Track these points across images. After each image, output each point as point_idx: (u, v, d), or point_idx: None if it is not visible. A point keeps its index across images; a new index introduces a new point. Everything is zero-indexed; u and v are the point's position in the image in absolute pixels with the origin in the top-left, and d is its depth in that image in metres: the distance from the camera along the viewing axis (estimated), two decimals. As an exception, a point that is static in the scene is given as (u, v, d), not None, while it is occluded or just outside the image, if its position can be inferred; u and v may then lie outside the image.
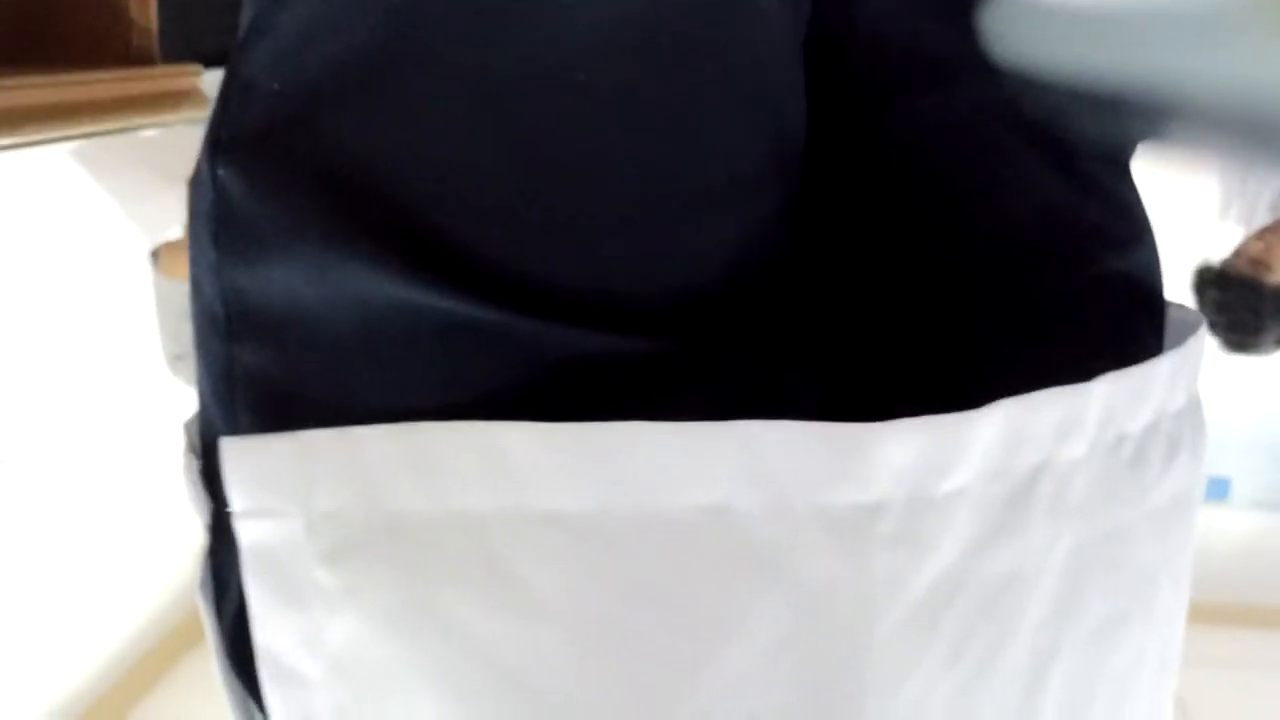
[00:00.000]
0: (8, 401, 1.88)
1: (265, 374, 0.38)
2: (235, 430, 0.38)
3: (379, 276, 0.36)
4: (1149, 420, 0.42)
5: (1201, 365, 0.45)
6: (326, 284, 0.36)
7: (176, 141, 1.68)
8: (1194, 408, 0.44)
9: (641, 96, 0.37)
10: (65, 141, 1.29)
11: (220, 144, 0.38)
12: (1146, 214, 0.46)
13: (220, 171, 0.37)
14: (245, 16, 0.39)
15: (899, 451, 0.36)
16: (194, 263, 0.39)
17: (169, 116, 1.35)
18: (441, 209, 0.36)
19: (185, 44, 1.39)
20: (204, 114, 1.42)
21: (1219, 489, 2.61)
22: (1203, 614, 2.66)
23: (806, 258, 0.42)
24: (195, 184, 0.39)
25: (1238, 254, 1.76)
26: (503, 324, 0.36)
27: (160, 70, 1.32)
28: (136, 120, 1.30)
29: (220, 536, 0.41)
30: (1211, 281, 1.73)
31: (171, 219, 1.82)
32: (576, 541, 0.35)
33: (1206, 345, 0.44)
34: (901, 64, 0.43)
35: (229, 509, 0.36)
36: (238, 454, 0.36)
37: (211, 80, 1.52)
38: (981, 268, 0.42)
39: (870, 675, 0.36)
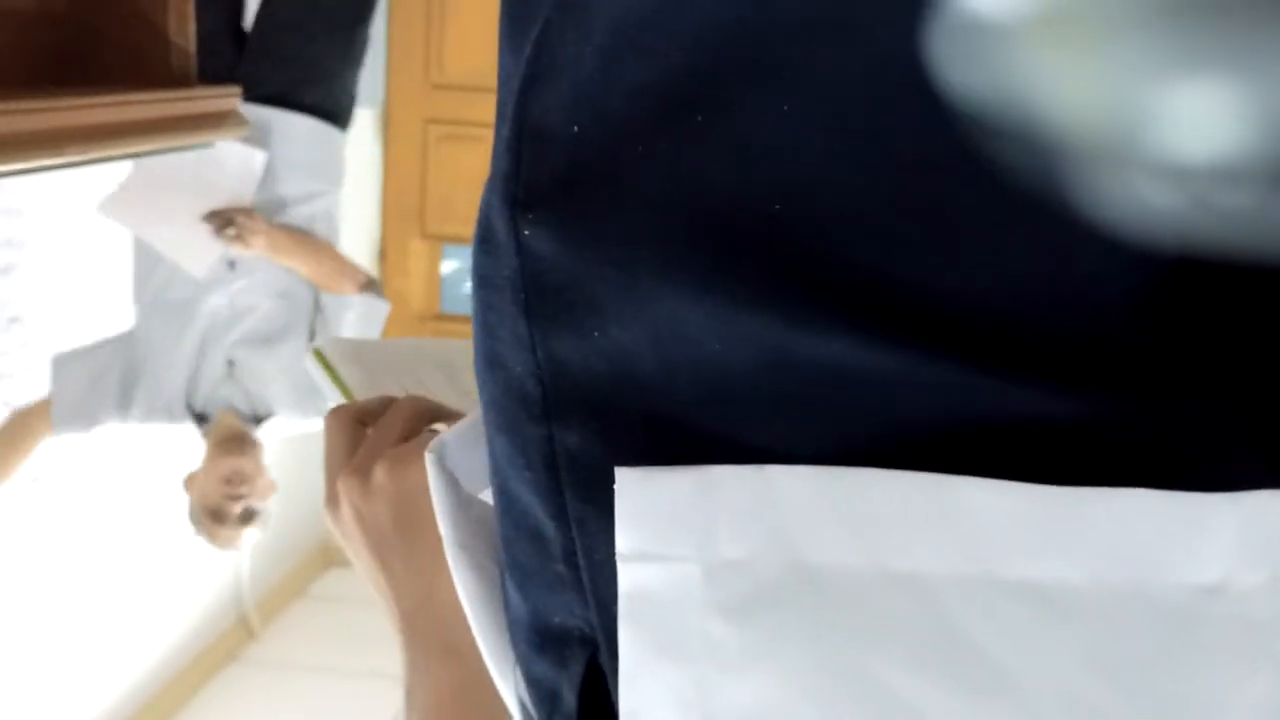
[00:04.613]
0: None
1: (594, 452, 0.35)
2: (566, 520, 0.36)
3: (755, 322, 0.32)
4: None
5: None
6: (678, 340, 0.33)
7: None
8: None
9: None
10: (107, 162, 1.29)
11: (519, 203, 0.35)
12: None
13: (526, 233, 0.35)
14: (515, 54, 0.36)
15: None
16: (491, 338, 0.36)
17: (209, 137, 1.36)
18: (816, 237, 0.32)
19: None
20: (243, 134, 1.42)
21: None
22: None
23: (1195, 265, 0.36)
24: (488, 250, 0.36)
25: None
26: (905, 368, 0.32)
27: (199, 91, 1.32)
28: (177, 141, 1.31)
29: (552, 646, 0.39)
30: None
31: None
32: (1049, 614, 0.32)
33: None
34: None
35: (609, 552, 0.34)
36: (633, 486, 0.33)
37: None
38: None
39: None
